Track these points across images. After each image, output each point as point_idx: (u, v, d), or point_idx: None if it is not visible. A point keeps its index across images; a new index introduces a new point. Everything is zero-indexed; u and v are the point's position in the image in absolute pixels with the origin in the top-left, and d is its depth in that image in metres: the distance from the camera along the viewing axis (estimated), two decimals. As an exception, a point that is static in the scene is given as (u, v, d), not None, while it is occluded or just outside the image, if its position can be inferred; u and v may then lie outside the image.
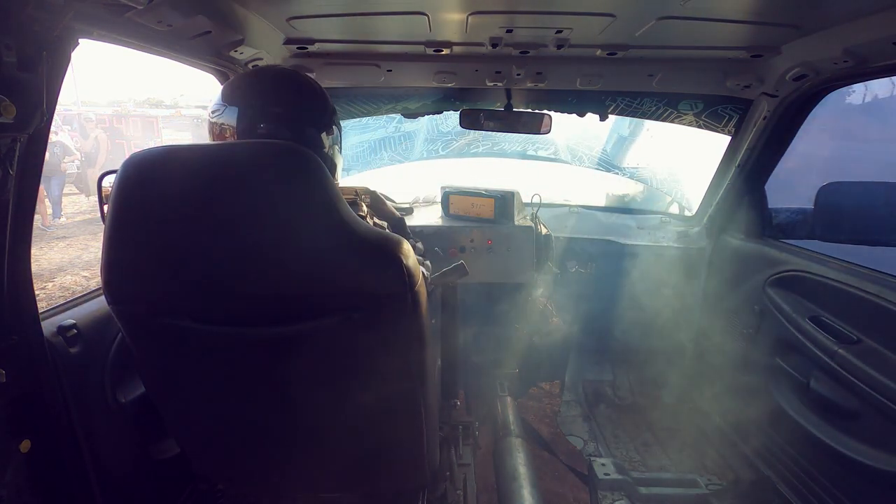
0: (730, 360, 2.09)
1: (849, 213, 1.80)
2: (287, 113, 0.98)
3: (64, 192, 8.30)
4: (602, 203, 2.93)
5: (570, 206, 2.68)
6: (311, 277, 0.79)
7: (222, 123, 0.96)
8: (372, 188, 1.23)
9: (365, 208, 1.07)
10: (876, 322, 1.43)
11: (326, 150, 1.04)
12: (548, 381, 2.70)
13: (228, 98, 0.96)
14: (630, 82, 1.88)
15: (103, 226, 0.82)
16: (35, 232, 1.02)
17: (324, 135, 1.02)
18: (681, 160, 2.98)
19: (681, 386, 2.45)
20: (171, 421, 1.04)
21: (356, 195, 1.05)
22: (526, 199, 2.25)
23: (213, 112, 0.98)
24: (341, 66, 1.80)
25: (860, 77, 1.50)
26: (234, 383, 0.93)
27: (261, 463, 1.09)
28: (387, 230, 1.07)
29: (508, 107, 2.06)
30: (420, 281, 0.86)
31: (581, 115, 2.12)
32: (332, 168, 1.07)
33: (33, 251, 0.96)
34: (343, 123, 1.23)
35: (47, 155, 0.94)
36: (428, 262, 1.25)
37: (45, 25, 0.79)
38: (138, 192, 0.77)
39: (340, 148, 1.11)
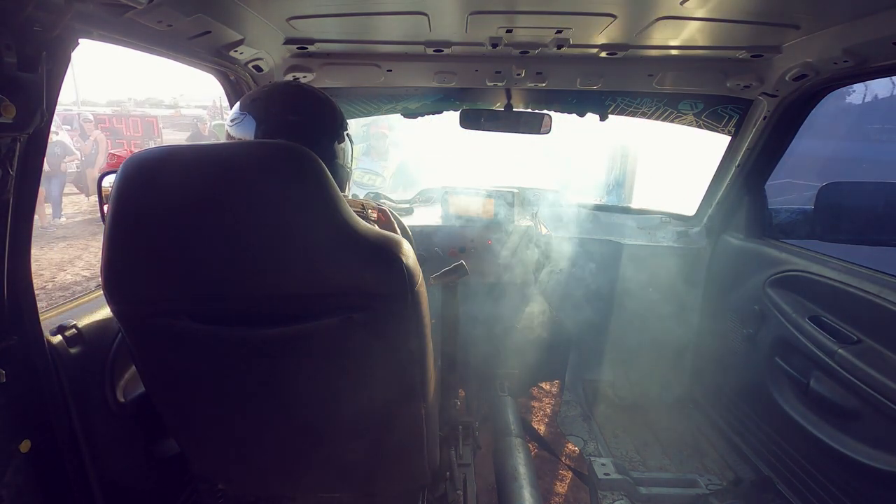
0: (730, 360, 2.09)
1: (849, 213, 1.80)
2: (302, 125, 1.01)
3: (64, 191, 8.29)
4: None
5: (570, 205, 2.68)
6: (311, 278, 0.79)
7: (239, 135, 1.00)
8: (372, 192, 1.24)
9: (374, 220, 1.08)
10: (876, 322, 1.43)
11: (339, 160, 1.07)
12: (548, 381, 2.70)
13: (246, 110, 1.00)
14: (630, 82, 1.88)
15: (103, 226, 0.82)
16: (35, 232, 1.02)
17: (336, 144, 1.06)
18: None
19: (681, 386, 2.45)
20: (171, 421, 1.04)
21: (363, 208, 1.07)
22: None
23: (230, 123, 1.02)
24: (341, 66, 1.80)
25: (860, 77, 1.50)
26: (235, 383, 0.93)
27: (261, 463, 1.09)
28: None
29: (508, 107, 2.06)
30: (420, 281, 0.86)
31: (581, 115, 2.12)
32: (345, 177, 1.11)
33: (33, 251, 0.96)
34: None
35: (47, 155, 0.94)
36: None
37: (45, 25, 0.79)
38: (138, 192, 0.77)
39: (351, 158, 1.14)
